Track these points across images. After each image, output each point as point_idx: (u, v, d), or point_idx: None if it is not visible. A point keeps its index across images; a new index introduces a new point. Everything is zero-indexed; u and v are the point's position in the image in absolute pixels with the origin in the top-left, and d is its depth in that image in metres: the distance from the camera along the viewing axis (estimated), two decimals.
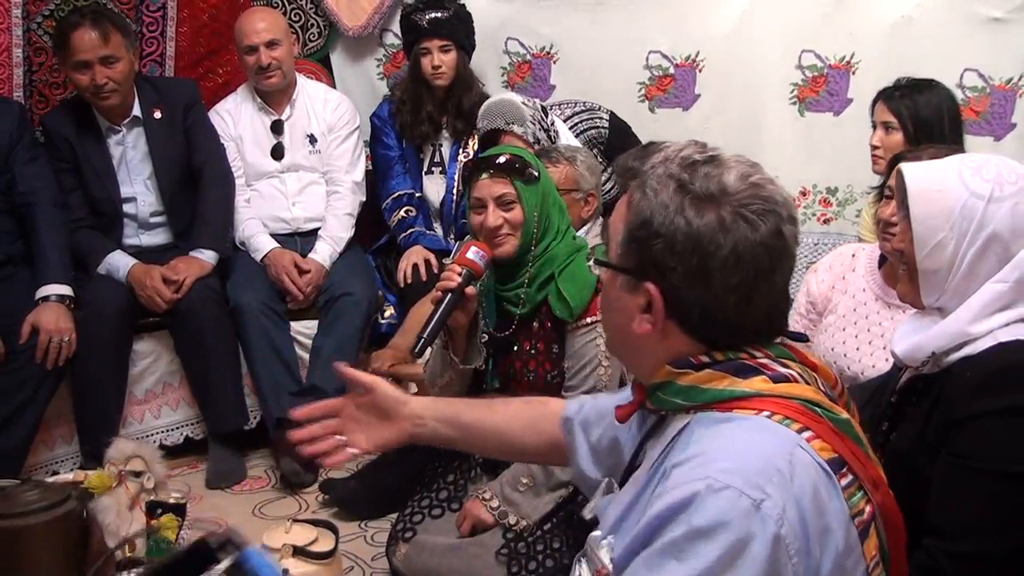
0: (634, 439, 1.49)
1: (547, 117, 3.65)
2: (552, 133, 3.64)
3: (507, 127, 3.51)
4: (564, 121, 3.87)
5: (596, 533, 1.35)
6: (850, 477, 1.28)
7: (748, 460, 1.20)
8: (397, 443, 1.69)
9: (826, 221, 4.21)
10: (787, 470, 1.20)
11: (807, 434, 1.26)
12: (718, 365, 1.31)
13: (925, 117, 3.10)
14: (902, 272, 1.87)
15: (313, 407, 1.76)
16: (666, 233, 1.28)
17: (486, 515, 2.70)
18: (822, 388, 1.35)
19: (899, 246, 1.87)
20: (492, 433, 1.75)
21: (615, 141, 3.94)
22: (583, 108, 3.98)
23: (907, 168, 1.82)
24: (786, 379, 1.30)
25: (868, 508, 1.29)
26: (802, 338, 1.40)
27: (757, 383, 1.29)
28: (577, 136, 3.87)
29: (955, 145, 2.92)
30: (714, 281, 1.27)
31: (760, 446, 1.22)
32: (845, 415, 1.32)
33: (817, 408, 1.29)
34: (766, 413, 1.26)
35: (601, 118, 3.98)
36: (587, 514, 1.47)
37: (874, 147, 3.19)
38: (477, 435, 1.76)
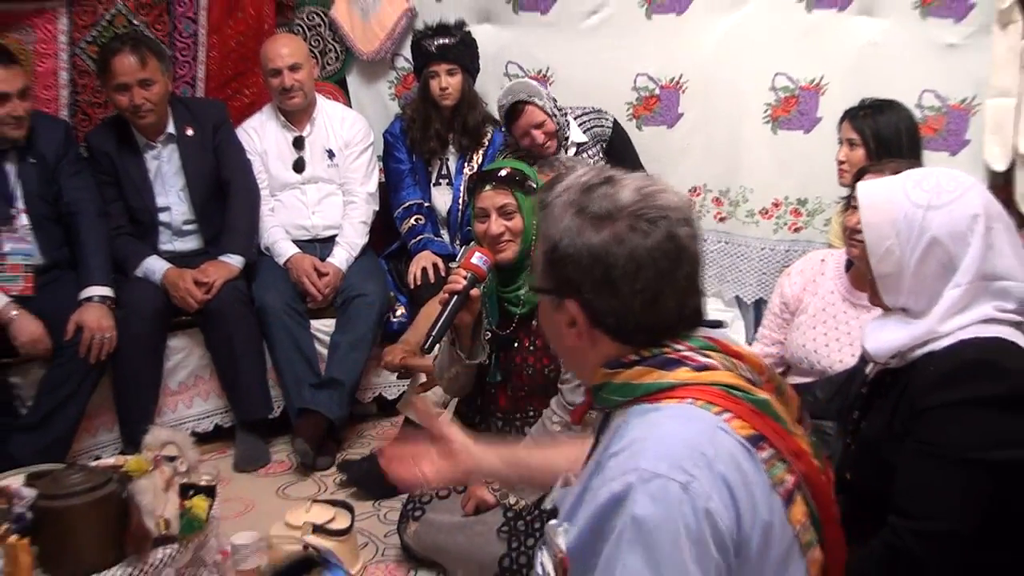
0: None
1: (559, 108, 3.78)
2: (564, 121, 3.78)
3: (529, 99, 3.65)
4: (574, 119, 3.91)
5: (553, 522, 1.37)
6: (770, 450, 1.30)
7: (673, 447, 1.23)
8: (459, 481, 1.73)
9: (797, 230, 4.19)
10: (710, 451, 1.23)
11: (727, 415, 1.28)
12: (646, 361, 1.33)
13: (885, 135, 3.12)
14: (869, 279, 1.88)
15: (395, 448, 1.78)
16: (572, 253, 1.32)
17: (488, 496, 2.71)
18: (744, 374, 1.36)
19: (859, 226, 1.89)
20: (547, 470, 1.70)
21: (616, 141, 3.97)
22: (592, 110, 3.98)
23: (860, 185, 1.86)
24: (707, 368, 1.33)
25: (791, 477, 1.31)
26: (718, 324, 1.43)
27: (681, 374, 1.32)
28: (584, 132, 3.91)
29: (913, 159, 2.93)
30: (621, 289, 1.30)
31: (683, 433, 1.25)
32: (763, 396, 1.34)
33: (736, 391, 1.31)
34: (689, 400, 1.29)
35: (606, 119, 3.99)
36: (547, 505, 1.52)
37: (840, 162, 3.20)
38: (530, 472, 1.75)
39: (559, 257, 1.34)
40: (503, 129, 3.99)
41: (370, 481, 3.26)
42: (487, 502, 2.71)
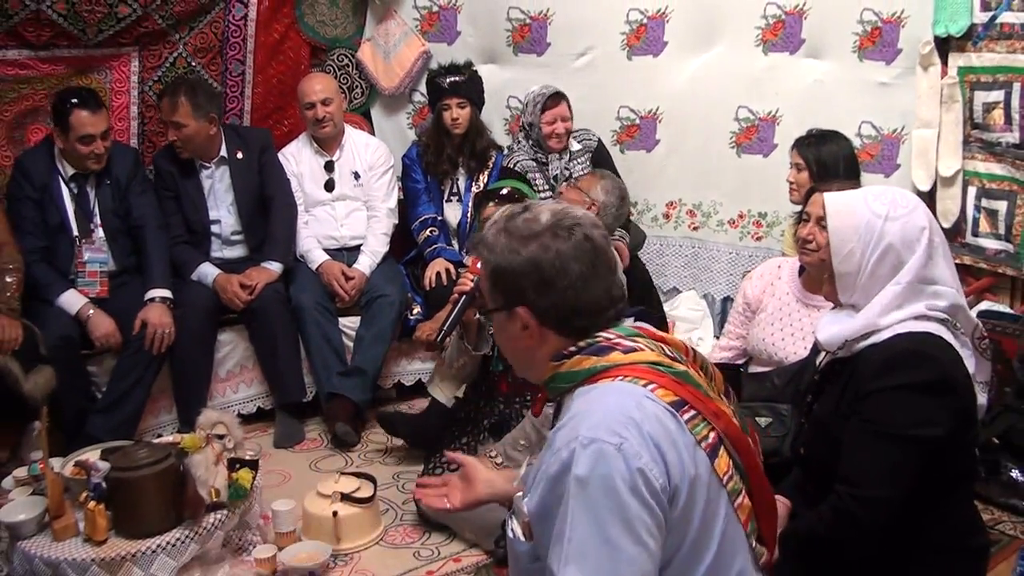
0: None
1: None
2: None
3: (564, 94, 3.85)
4: (572, 135, 3.98)
5: (519, 494, 1.40)
6: (692, 412, 1.34)
7: (606, 415, 1.26)
8: (477, 503, 1.68)
9: (758, 239, 4.20)
10: (637, 415, 1.26)
11: (652, 386, 1.32)
12: (583, 351, 1.38)
13: (825, 161, 3.14)
14: (826, 277, 1.89)
15: (431, 480, 1.81)
16: (510, 267, 1.39)
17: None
18: (669, 353, 1.40)
19: (823, 256, 1.89)
20: None
21: (599, 153, 4.02)
22: (583, 129, 4.04)
23: (827, 195, 1.88)
24: (634, 350, 1.37)
25: (712, 434, 1.35)
26: (642, 315, 1.47)
27: (613, 356, 1.36)
28: (579, 143, 4.00)
29: (853, 181, 2.94)
30: (556, 285, 1.36)
31: (614, 403, 1.29)
32: (682, 368, 1.38)
33: (659, 366, 1.35)
34: (620, 377, 1.33)
35: (593, 136, 4.05)
36: (515, 483, 1.53)
37: (790, 182, 3.21)
38: None
39: (502, 273, 1.40)
40: (504, 152, 4.02)
41: (398, 423, 3.31)
42: None
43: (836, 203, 1.83)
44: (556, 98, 3.85)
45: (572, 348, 1.38)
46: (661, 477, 1.24)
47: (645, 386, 1.31)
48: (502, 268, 1.40)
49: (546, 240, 1.37)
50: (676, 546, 1.26)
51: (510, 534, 1.38)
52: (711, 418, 1.35)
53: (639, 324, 1.43)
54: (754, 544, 1.39)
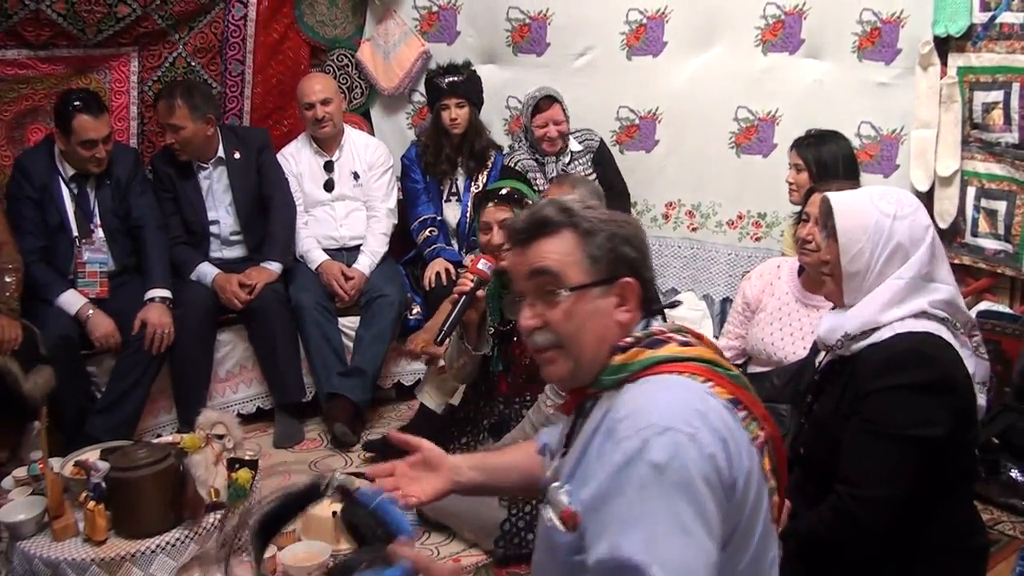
0: (567, 426, 1.49)
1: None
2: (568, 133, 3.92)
3: (557, 98, 3.84)
4: (572, 135, 3.98)
5: (555, 483, 1.37)
6: (746, 412, 1.34)
7: (675, 407, 1.25)
8: (446, 492, 1.60)
9: (757, 239, 4.20)
10: (704, 409, 1.26)
11: (710, 384, 1.31)
12: (640, 343, 1.36)
13: (824, 162, 3.11)
14: (828, 278, 1.88)
15: (376, 468, 1.67)
16: (618, 233, 1.38)
17: None
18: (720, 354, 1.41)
19: (825, 257, 1.88)
20: (512, 468, 1.70)
21: (601, 154, 4.02)
22: (585, 129, 4.04)
23: (833, 195, 1.86)
24: (689, 344, 1.37)
25: (761, 434, 1.35)
26: (675, 303, 1.52)
27: (669, 349, 1.35)
28: (579, 144, 3.99)
29: (853, 181, 2.93)
30: (647, 261, 1.41)
31: (680, 396, 1.28)
32: (735, 370, 1.38)
33: (715, 366, 1.35)
34: (676, 373, 1.32)
35: (595, 136, 4.04)
36: (547, 473, 1.47)
37: (789, 183, 3.19)
38: (501, 473, 1.70)
39: (620, 241, 1.38)
40: (503, 152, 4.01)
41: (390, 456, 3.25)
42: None
43: (843, 203, 1.83)
44: (547, 101, 3.84)
45: (630, 339, 1.36)
46: (726, 468, 1.24)
47: (704, 383, 1.31)
48: (606, 235, 1.37)
49: (622, 221, 1.41)
50: (727, 537, 1.26)
51: (547, 524, 1.35)
52: (760, 419, 1.36)
53: (682, 325, 1.44)
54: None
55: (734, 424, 1.29)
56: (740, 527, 1.28)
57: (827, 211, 1.85)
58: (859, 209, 1.80)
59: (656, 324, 1.39)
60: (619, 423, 1.26)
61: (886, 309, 1.77)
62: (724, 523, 1.24)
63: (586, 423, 1.40)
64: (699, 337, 1.42)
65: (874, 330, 1.77)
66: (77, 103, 3.23)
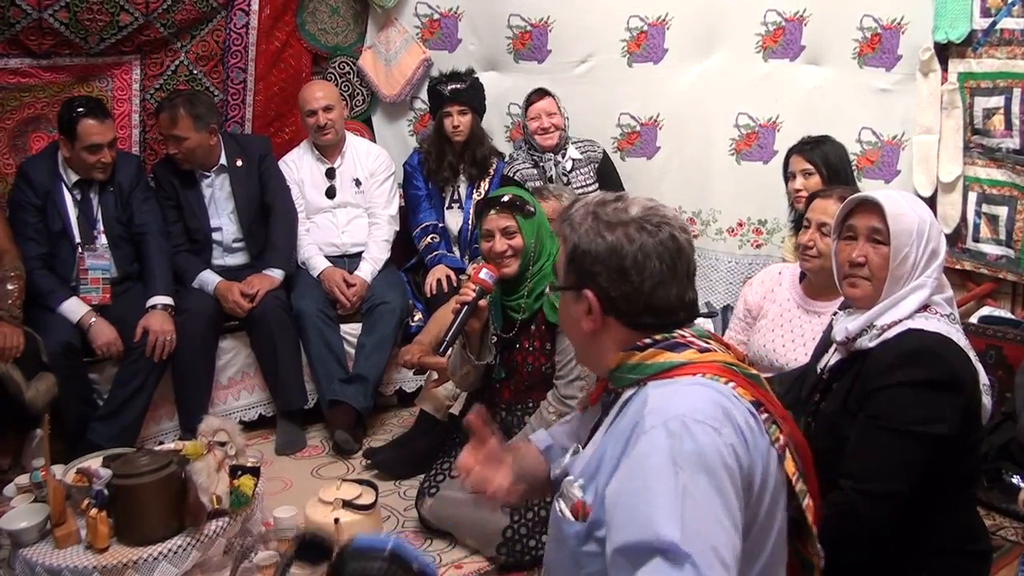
0: (591, 418, 1.53)
1: (565, 128, 3.96)
2: (566, 134, 3.95)
3: (551, 92, 3.88)
4: (573, 144, 3.98)
5: (569, 478, 1.40)
6: (767, 414, 1.35)
7: (702, 404, 1.27)
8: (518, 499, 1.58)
9: (758, 246, 4.20)
10: (729, 407, 1.27)
11: (731, 384, 1.33)
12: (657, 345, 1.37)
13: (834, 162, 3.08)
14: (865, 282, 1.84)
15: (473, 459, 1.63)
16: (589, 249, 1.38)
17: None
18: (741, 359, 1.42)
19: (859, 259, 1.84)
20: (536, 471, 1.66)
21: (604, 166, 4.01)
22: (588, 140, 4.04)
23: (884, 200, 1.83)
24: (709, 350, 1.37)
25: (782, 437, 1.36)
26: (712, 314, 1.50)
27: (688, 354, 1.36)
28: (581, 153, 3.97)
29: (852, 187, 2.94)
30: (630, 276, 1.36)
31: (706, 395, 1.29)
32: (754, 371, 1.40)
33: (735, 367, 1.36)
34: (700, 374, 1.33)
35: (598, 148, 4.04)
36: (555, 470, 1.51)
37: (797, 190, 3.12)
38: (530, 476, 1.65)
39: (580, 253, 1.40)
40: (506, 160, 4.02)
41: (391, 465, 3.27)
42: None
43: (893, 207, 1.81)
44: (539, 94, 3.88)
45: (647, 340, 1.38)
46: (747, 466, 1.26)
47: (726, 383, 1.33)
48: (582, 249, 1.39)
49: (632, 231, 1.37)
50: (744, 533, 1.26)
51: (558, 515, 1.38)
52: (780, 421, 1.37)
53: (707, 328, 1.44)
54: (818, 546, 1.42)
55: (756, 427, 1.31)
56: (755, 529, 1.29)
57: (878, 215, 1.82)
58: (905, 212, 1.81)
59: (683, 330, 1.39)
60: (646, 416, 1.28)
61: (900, 300, 1.79)
62: (743, 520, 1.25)
63: (606, 419, 1.42)
64: (724, 344, 1.43)
65: (887, 326, 1.78)
66: (81, 108, 3.25)
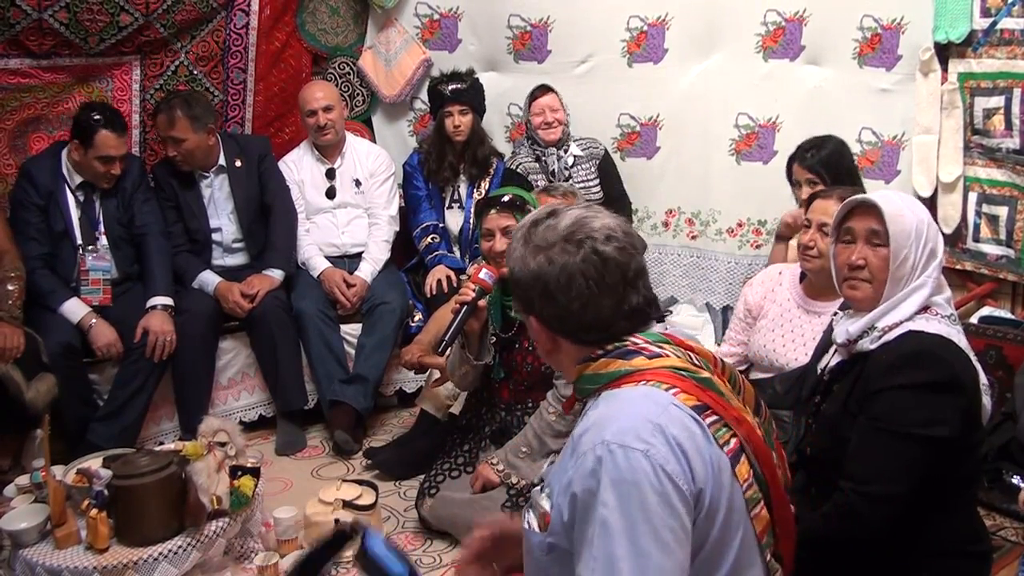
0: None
1: (567, 124, 3.98)
2: (568, 130, 3.96)
3: (553, 88, 3.92)
4: (574, 142, 3.99)
5: (536, 488, 1.42)
6: (714, 417, 1.34)
7: (633, 421, 1.27)
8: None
9: (757, 246, 4.19)
10: (663, 422, 1.27)
11: (674, 391, 1.32)
12: (609, 354, 1.38)
13: (831, 163, 3.07)
14: (865, 283, 1.84)
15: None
16: (520, 278, 1.42)
17: (494, 476, 2.72)
18: (695, 361, 1.41)
19: (859, 262, 1.83)
20: None
21: (605, 163, 4.02)
22: (590, 138, 4.05)
23: (882, 200, 1.82)
24: (660, 356, 1.37)
25: (734, 440, 1.35)
26: (665, 315, 1.51)
27: (638, 361, 1.36)
28: (582, 151, 3.98)
29: (857, 187, 2.92)
30: (557, 299, 1.37)
31: (640, 409, 1.29)
32: (705, 374, 1.38)
33: (682, 372, 1.36)
34: (643, 382, 1.34)
35: (600, 146, 4.05)
36: (535, 479, 1.54)
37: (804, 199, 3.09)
38: None
39: (514, 282, 1.44)
40: (505, 159, 4.03)
41: (391, 465, 3.27)
42: (492, 481, 2.72)
43: (891, 208, 1.81)
44: (542, 90, 3.91)
45: (599, 351, 1.39)
46: (687, 483, 1.24)
47: (667, 390, 1.32)
48: (514, 278, 1.43)
49: (554, 253, 1.37)
50: (696, 551, 1.27)
51: (526, 525, 1.39)
52: (732, 424, 1.35)
53: (668, 332, 1.44)
54: (769, 558, 1.39)
55: (699, 433, 1.30)
56: (712, 538, 1.28)
57: (876, 217, 1.82)
58: (903, 213, 1.81)
59: (634, 336, 1.39)
60: (580, 437, 1.30)
61: (900, 301, 1.79)
62: (694, 536, 1.25)
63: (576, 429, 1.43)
64: (684, 345, 1.42)
65: (888, 328, 1.78)
66: (102, 118, 3.25)
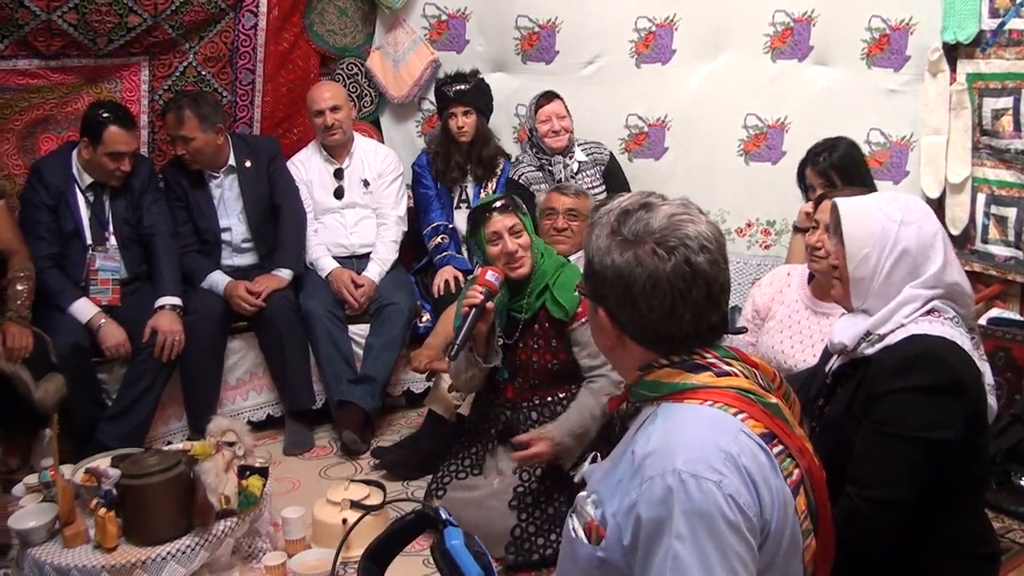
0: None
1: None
2: (573, 136, 3.93)
3: (560, 95, 3.88)
4: (579, 146, 3.96)
5: (583, 493, 1.36)
6: (780, 447, 1.29)
7: (703, 450, 1.21)
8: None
9: (767, 247, 4.19)
10: (734, 451, 1.21)
11: (742, 416, 1.27)
12: (675, 365, 1.31)
13: (842, 166, 3.06)
14: (837, 282, 1.88)
15: None
16: (600, 270, 1.32)
17: (547, 451, 2.58)
18: (760, 381, 1.35)
19: (834, 262, 1.89)
20: None
21: (611, 168, 4.00)
22: (595, 142, 4.03)
23: (840, 201, 1.87)
24: (728, 374, 1.31)
25: (796, 471, 1.31)
26: (741, 330, 1.45)
27: (704, 377, 1.30)
28: (587, 156, 3.96)
29: (868, 187, 2.91)
30: (639, 304, 1.28)
31: (709, 435, 1.23)
32: (773, 400, 1.33)
33: (751, 395, 1.30)
34: (709, 402, 1.27)
35: (605, 150, 4.03)
36: (576, 478, 1.49)
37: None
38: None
39: (591, 272, 1.34)
40: (512, 161, 4.02)
41: (399, 465, 3.27)
42: (540, 456, 2.59)
43: (850, 207, 1.84)
44: (548, 96, 3.88)
45: (663, 361, 1.32)
46: (756, 515, 1.20)
47: (736, 415, 1.26)
48: (592, 267, 1.34)
49: (643, 253, 1.27)
50: None
51: (571, 534, 1.33)
52: (796, 455, 1.31)
53: (734, 346, 1.38)
54: None
55: (767, 462, 1.25)
56: (774, 569, 1.25)
57: (836, 216, 1.86)
58: (866, 215, 1.81)
59: (703, 350, 1.33)
60: (646, 458, 1.23)
61: (896, 310, 1.78)
62: (757, 566, 1.21)
63: (627, 433, 1.39)
64: (752, 363, 1.37)
65: (889, 331, 1.78)
66: (110, 114, 3.27)
